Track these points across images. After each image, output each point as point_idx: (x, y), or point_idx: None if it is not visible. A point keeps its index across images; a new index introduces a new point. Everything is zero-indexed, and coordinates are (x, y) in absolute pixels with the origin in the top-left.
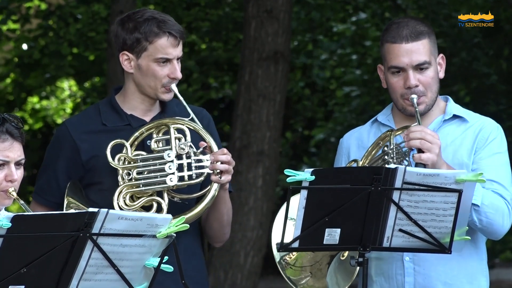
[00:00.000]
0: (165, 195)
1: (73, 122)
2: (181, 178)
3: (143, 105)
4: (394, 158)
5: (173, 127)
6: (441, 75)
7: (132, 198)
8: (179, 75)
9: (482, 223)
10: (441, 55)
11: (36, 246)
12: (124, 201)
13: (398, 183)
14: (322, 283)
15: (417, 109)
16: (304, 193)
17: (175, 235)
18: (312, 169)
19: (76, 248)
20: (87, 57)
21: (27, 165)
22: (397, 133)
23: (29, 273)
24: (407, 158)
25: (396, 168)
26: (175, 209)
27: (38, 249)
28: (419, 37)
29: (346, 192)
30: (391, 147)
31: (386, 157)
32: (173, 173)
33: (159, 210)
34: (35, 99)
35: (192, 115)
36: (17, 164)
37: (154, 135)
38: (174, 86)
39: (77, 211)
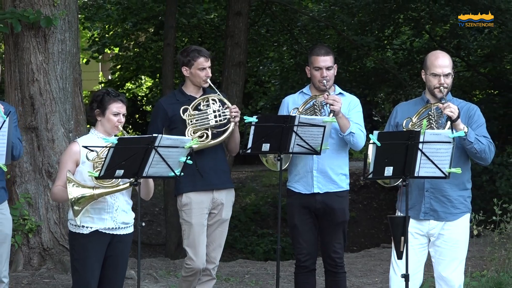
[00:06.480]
0: (209, 130)
1: (163, 99)
2: (216, 121)
3: (195, 90)
4: None
5: (210, 98)
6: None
7: (194, 132)
8: (210, 75)
9: (354, 141)
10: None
11: (128, 151)
12: (190, 134)
13: (296, 122)
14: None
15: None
16: (253, 128)
17: (193, 146)
18: (256, 115)
19: (147, 153)
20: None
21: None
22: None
23: (126, 164)
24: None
25: (295, 116)
26: (214, 136)
27: (129, 153)
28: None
29: (273, 126)
30: None
31: None
32: (212, 119)
33: (207, 137)
34: (128, 83)
35: (218, 92)
36: (123, 115)
37: (202, 102)
38: (208, 80)
39: (147, 135)
